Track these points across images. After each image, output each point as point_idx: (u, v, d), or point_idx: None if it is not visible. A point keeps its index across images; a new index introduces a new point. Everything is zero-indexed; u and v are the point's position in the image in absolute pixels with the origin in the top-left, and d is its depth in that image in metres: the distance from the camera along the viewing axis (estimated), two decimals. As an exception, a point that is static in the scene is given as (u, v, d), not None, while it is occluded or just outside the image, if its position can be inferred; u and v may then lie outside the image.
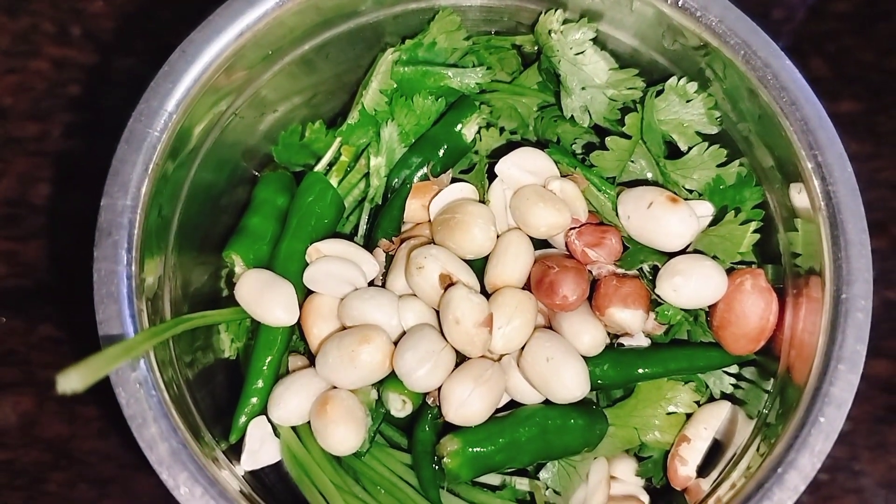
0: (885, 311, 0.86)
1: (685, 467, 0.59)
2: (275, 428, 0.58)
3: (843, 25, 0.94)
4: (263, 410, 0.59)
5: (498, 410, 0.59)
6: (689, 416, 0.61)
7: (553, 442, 0.57)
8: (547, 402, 0.59)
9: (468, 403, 0.55)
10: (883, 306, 0.86)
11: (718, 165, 0.60)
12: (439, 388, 0.56)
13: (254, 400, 0.59)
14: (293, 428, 0.58)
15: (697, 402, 0.61)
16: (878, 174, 0.89)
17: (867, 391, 0.83)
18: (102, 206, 0.51)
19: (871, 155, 0.89)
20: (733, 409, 0.61)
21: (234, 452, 0.58)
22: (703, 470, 0.60)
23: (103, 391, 0.81)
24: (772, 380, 0.57)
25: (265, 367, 0.59)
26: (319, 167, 0.65)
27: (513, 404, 0.60)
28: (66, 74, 0.92)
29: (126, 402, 0.48)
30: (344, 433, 0.55)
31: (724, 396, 0.62)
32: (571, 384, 0.56)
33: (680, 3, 0.56)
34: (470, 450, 0.56)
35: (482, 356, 0.57)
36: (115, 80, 0.92)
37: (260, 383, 0.59)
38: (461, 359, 0.58)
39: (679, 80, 0.60)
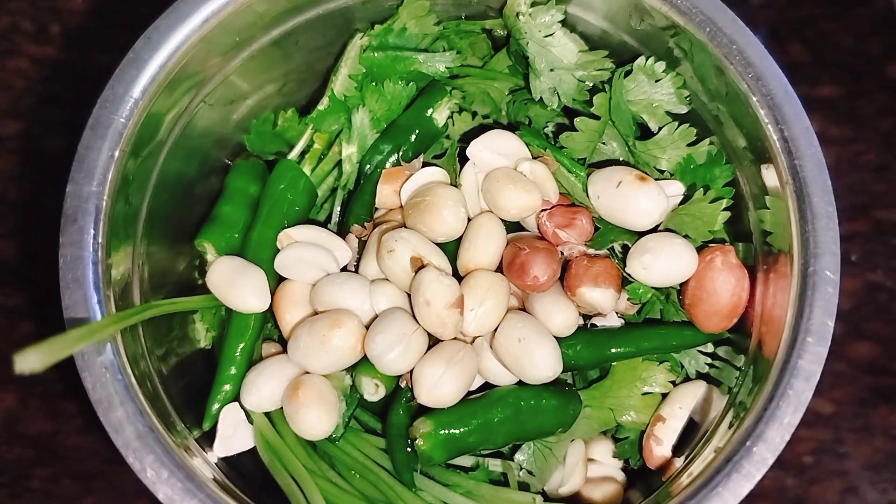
0: (868, 294, 0.86)
1: (660, 447, 0.59)
2: (248, 414, 0.58)
3: (821, 10, 0.94)
4: (236, 397, 0.59)
5: (472, 392, 0.59)
6: (664, 395, 0.61)
7: (526, 423, 0.57)
8: (520, 383, 0.58)
9: (440, 385, 0.55)
10: (865, 289, 0.86)
11: (688, 145, 0.60)
12: (412, 371, 0.56)
13: (226, 387, 0.59)
14: (266, 414, 0.58)
15: (673, 382, 0.61)
16: (859, 157, 0.89)
17: (851, 374, 0.83)
18: (68, 193, 0.51)
19: (852, 139, 0.89)
20: (709, 388, 0.61)
21: (209, 440, 0.58)
22: (678, 449, 0.59)
23: (84, 387, 0.82)
24: (743, 356, 0.57)
25: (238, 354, 0.59)
26: (292, 155, 0.65)
27: (486, 386, 0.60)
28: (45, 72, 0.92)
29: (92, 386, 0.48)
30: (316, 417, 0.55)
31: (700, 376, 0.62)
32: (543, 364, 0.56)
33: (645, -18, 0.56)
34: (442, 432, 0.55)
35: (454, 338, 0.57)
36: (95, 77, 0.91)
37: (233, 370, 0.59)
38: (434, 341, 0.58)
39: (647, 59, 0.60)
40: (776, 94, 0.54)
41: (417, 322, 0.56)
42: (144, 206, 0.57)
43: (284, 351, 0.60)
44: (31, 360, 0.41)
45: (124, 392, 0.48)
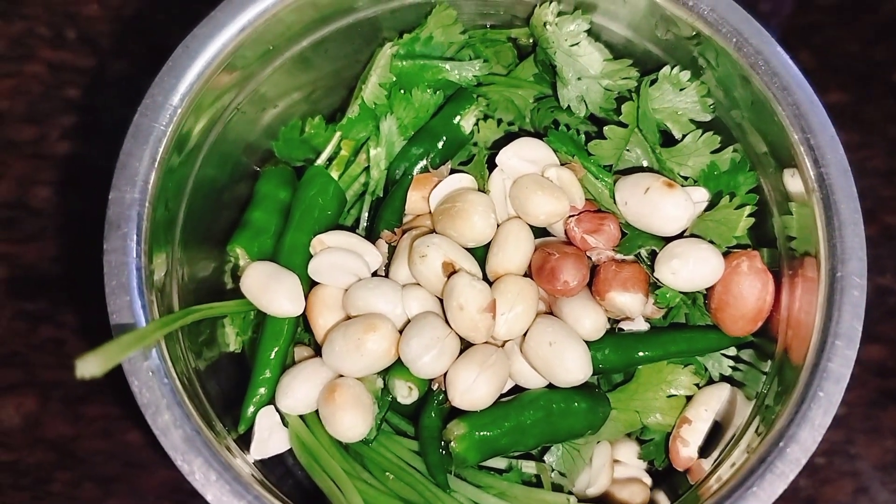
0: (877, 297, 0.87)
1: (687, 448, 0.60)
2: (283, 417, 0.59)
3: (828, 18, 0.96)
4: (271, 400, 0.60)
5: (503, 395, 0.60)
6: (689, 398, 0.63)
7: (557, 425, 0.58)
8: (550, 386, 0.59)
9: (473, 388, 0.56)
10: (874, 292, 0.87)
11: (713, 152, 0.62)
12: (445, 374, 0.57)
13: (262, 390, 0.59)
14: (301, 417, 0.59)
15: (697, 385, 0.62)
16: (867, 163, 0.91)
17: (861, 375, 0.85)
18: (111, 200, 0.52)
19: (860, 144, 0.91)
20: (733, 390, 0.62)
21: (244, 442, 0.59)
22: (704, 451, 0.61)
23: (106, 391, 0.83)
24: (769, 361, 0.58)
25: (272, 358, 0.60)
26: (320, 161, 0.66)
27: (517, 389, 0.61)
28: (61, 78, 0.92)
29: (139, 390, 0.49)
30: (352, 419, 0.56)
31: (724, 379, 0.63)
32: (574, 367, 0.57)
33: (672, -8, 0.57)
34: (476, 433, 0.56)
35: (486, 342, 0.58)
36: (111, 82, 0.93)
37: (267, 373, 0.60)
38: (465, 345, 0.59)
39: (672, 69, 0.61)
40: (802, 103, 0.55)
41: (450, 326, 0.57)
42: (181, 212, 0.57)
43: (316, 355, 0.61)
44: (90, 366, 0.42)
45: (171, 396, 0.48)
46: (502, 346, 0.59)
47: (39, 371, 0.82)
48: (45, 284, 0.84)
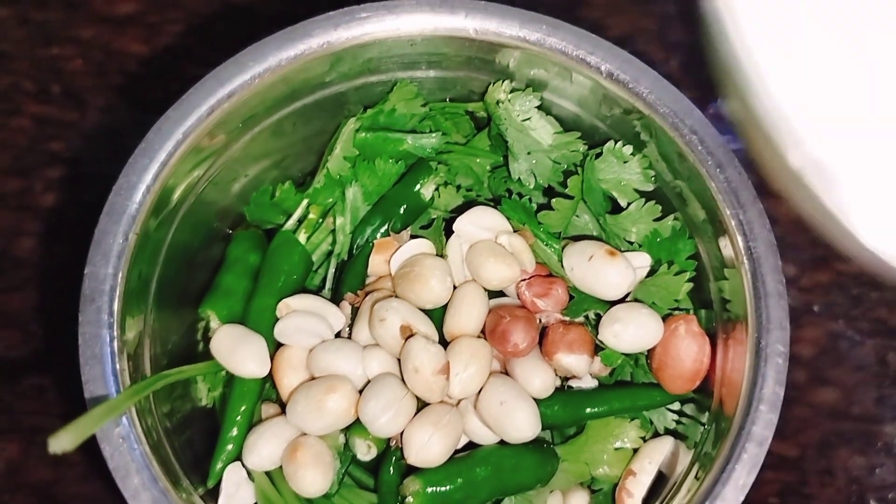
0: (830, 342, 0.91)
1: (631, 500, 0.64)
2: (249, 473, 0.63)
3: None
4: (239, 456, 0.63)
5: (458, 451, 0.64)
6: (636, 450, 0.66)
7: (507, 480, 0.62)
8: (503, 442, 0.63)
9: (428, 447, 0.59)
10: (827, 337, 0.91)
11: (655, 220, 0.66)
12: (402, 433, 0.61)
13: (229, 447, 0.63)
14: (267, 473, 0.63)
15: (643, 438, 0.66)
16: (817, 214, 0.94)
17: (815, 418, 0.88)
18: (86, 275, 0.55)
19: (810, 195, 0.95)
20: (676, 443, 0.66)
21: (212, 496, 0.62)
22: (647, 502, 0.64)
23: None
24: (707, 413, 0.62)
25: (239, 417, 0.63)
26: (289, 225, 0.69)
27: (472, 445, 0.64)
28: (46, 131, 0.95)
29: (110, 455, 0.52)
30: (313, 477, 0.59)
31: (668, 432, 0.67)
32: (523, 426, 0.60)
33: (614, 76, 0.62)
34: (430, 490, 0.60)
35: (441, 401, 0.62)
36: (95, 135, 0.96)
37: (235, 431, 0.63)
38: (422, 404, 0.62)
39: (616, 143, 0.65)
40: (733, 179, 0.59)
41: (406, 387, 0.61)
42: (154, 278, 0.61)
43: (282, 412, 0.64)
44: (63, 441, 0.46)
45: (140, 460, 0.52)
46: (457, 404, 0.63)
47: (22, 417, 0.85)
48: (29, 334, 0.87)
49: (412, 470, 0.62)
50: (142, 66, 0.99)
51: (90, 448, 0.85)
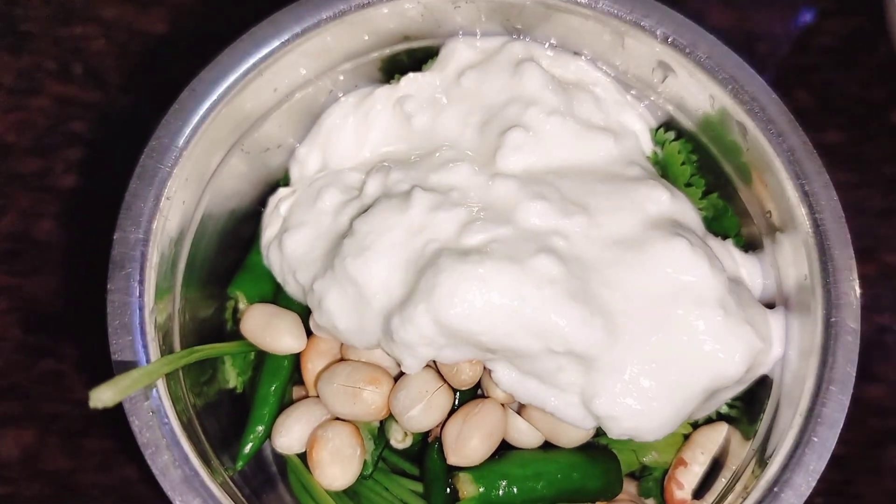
0: (876, 336, 0.88)
1: (681, 491, 0.60)
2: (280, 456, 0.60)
3: (826, 58, 0.97)
4: (269, 437, 0.60)
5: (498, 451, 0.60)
6: (686, 436, 0.63)
7: (571, 485, 0.59)
8: (548, 445, 0.60)
9: (465, 443, 0.56)
10: (874, 331, 0.87)
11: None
12: (442, 427, 0.58)
13: (259, 427, 0.60)
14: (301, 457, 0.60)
15: (694, 423, 0.63)
16: (865, 202, 0.91)
17: (861, 415, 0.84)
18: (115, 240, 0.53)
19: (858, 184, 0.92)
20: (729, 430, 0.62)
21: (241, 478, 0.59)
22: (698, 493, 0.61)
23: (104, 425, 0.83)
24: (766, 402, 0.59)
25: (270, 395, 0.60)
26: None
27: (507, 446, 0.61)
28: (67, 112, 0.93)
29: (139, 430, 0.49)
30: (332, 473, 0.57)
31: (721, 417, 0.63)
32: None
33: (670, 40, 0.58)
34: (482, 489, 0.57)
35: (481, 397, 0.59)
36: (116, 117, 0.94)
37: (265, 410, 0.60)
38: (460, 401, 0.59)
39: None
40: (796, 148, 0.56)
41: (442, 378, 0.58)
42: (185, 252, 0.58)
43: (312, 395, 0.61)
44: (104, 396, 0.44)
45: (171, 435, 0.49)
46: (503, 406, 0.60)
47: (39, 404, 0.82)
48: (47, 318, 0.85)
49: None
50: (165, 47, 0.97)
51: (108, 436, 0.84)
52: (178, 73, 0.94)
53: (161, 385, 0.51)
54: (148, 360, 0.50)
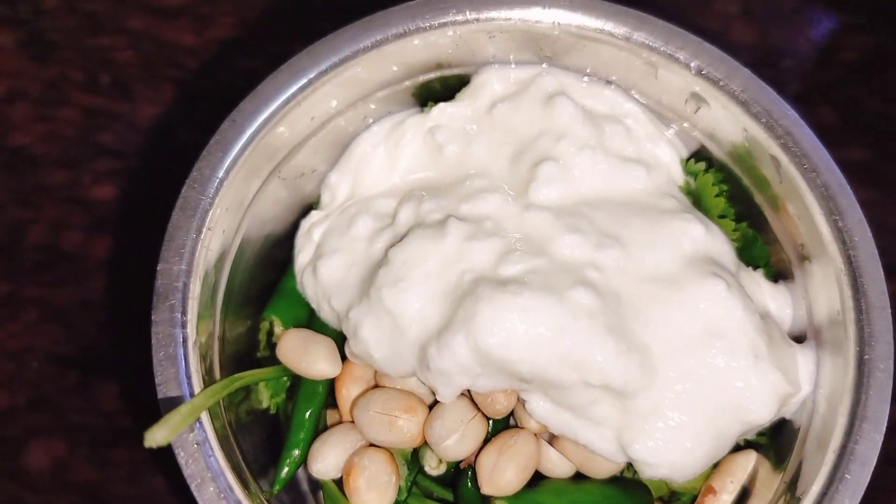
0: (896, 355, 0.87)
1: (711, 518, 0.61)
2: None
3: (850, 74, 0.97)
4: (304, 461, 0.61)
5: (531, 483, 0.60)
6: (716, 465, 0.63)
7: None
8: (579, 476, 0.61)
9: (499, 472, 0.57)
10: None
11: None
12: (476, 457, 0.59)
13: (296, 452, 0.61)
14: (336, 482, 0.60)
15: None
16: (888, 221, 0.91)
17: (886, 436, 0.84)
18: (159, 271, 0.53)
19: (880, 202, 0.92)
20: (758, 459, 0.62)
21: (278, 501, 0.60)
22: (728, 522, 0.61)
23: (132, 436, 0.84)
24: (797, 435, 0.59)
25: (306, 420, 0.61)
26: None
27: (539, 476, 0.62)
28: (94, 122, 0.94)
29: (185, 461, 0.50)
30: (369, 499, 0.58)
31: (749, 444, 0.64)
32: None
33: (704, 72, 0.59)
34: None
35: (514, 427, 0.60)
36: (143, 128, 0.94)
37: (301, 435, 0.61)
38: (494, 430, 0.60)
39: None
40: (830, 184, 0.56)
41: (476, 408, 0.59)
42: (223, 279, 0.59)
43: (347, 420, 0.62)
44: (157, 436, 0.46)
45: (216, 468, 0.50)
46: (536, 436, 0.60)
47: (68, 415, 0.83)
48: (75, 329, 0.85)
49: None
50: (192, 58, 0.97)
51: (136, 447, 0.84)
52: (206, 84, 0.96)
53: (204, 416, 0.52)
54: (191, 391, 0.51)
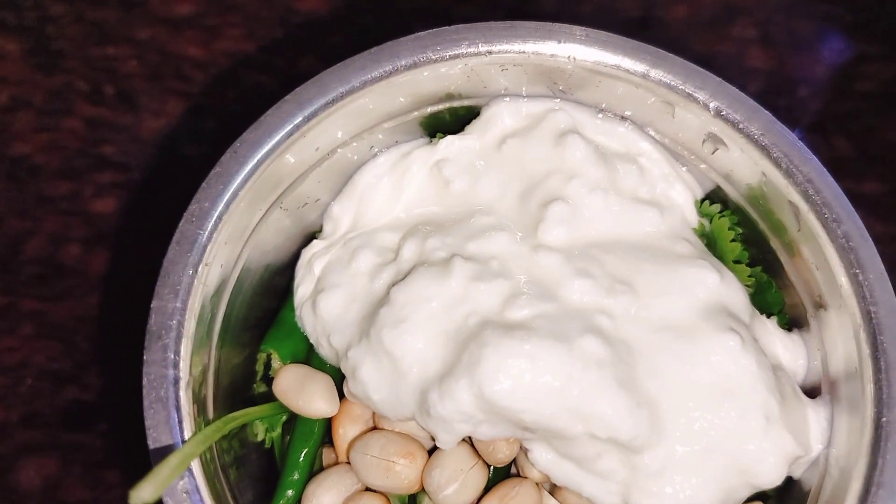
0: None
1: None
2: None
3: (867, 105, 0.95)
4: (299, 501, 0.59)
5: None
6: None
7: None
8: None
9: None
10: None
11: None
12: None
13: (289, 492, 0.59)
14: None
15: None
16: (903, 257, 0.89)
17: None
18: (153, 308, 0.51)
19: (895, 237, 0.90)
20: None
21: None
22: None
23: (125, 456, 0.82)
24: (809, 494, 0.57)
25: (301, 459, 0.60)
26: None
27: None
28: (98, 133, 0.92)
29: (173, 511, 0.48)
30: None
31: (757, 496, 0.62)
32: None
33: (723, 114, 0.57)
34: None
35: (516, 476, 0.58)
36: (147, 140, 0.93)
37: (296, 475, 0.60)
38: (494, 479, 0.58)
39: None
40: (852, 235, 0.54)
41: (477, 455, 0.57)
42: (220, 312, 0.57)
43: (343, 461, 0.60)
44: (144, 494, 0.44)
45: (205, 517, 0.48)
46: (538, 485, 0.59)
47: (62, 433, 0.82)
48: (72, 345, 0.84)
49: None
50: (199, 70, 0.95)
51: (130, 468, 0.83)
52: (212, 97, 0.94)
53: (195, 463, 0.50)
54: (182, 436, 0.49)
